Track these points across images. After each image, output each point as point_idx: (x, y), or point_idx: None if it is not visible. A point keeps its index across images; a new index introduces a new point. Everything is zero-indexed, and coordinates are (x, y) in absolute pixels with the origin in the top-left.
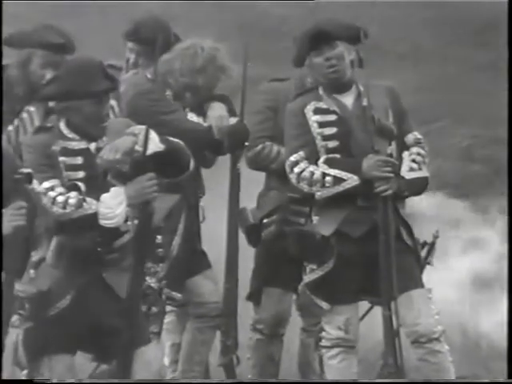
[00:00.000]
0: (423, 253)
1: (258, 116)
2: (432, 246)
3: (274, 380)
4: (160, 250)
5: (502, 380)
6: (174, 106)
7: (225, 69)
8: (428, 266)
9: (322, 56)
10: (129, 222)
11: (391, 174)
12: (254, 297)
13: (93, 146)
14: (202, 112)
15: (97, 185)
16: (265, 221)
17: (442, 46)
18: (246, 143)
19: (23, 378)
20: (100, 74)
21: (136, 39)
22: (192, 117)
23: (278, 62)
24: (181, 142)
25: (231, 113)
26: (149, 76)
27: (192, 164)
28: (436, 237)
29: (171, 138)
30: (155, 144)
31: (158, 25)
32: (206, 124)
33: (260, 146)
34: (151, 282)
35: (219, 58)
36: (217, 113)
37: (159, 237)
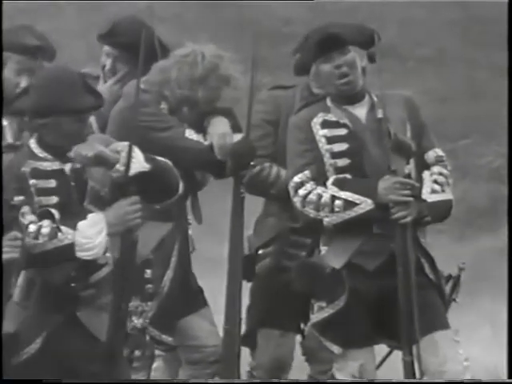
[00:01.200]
0: (448, 288)
1: (256, 131)
2: (457, 279)
3: (273, 380)
4: (149, 285)
5: (501, 380)
6: (170, 121)
7: (229, 79)
8: (453, 304)
9: (332, 63)
10: (107, 254)
11: (410, 198)
12: (249, 339)
13: (68, 166)
14: (201, 128)
15: (72, 211)
16: (260, 252)
17: (469, 49)
18: (252, 163)
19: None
20: (83, 88)
21: (113, 42)
22: (190, 134)
23: (281, 68)
24: (168, 162)
25: (235, 128)
26: (142, 86)
27: (181, 187)
28: (462, 269)
29: (158, 157)
30: (139, 163)
31: (139, 26)
32: (206, 142)
33: (257, 168)
34: (138, 322)
35: (222, 68)
36: (219, 129)
37: (148, 271)
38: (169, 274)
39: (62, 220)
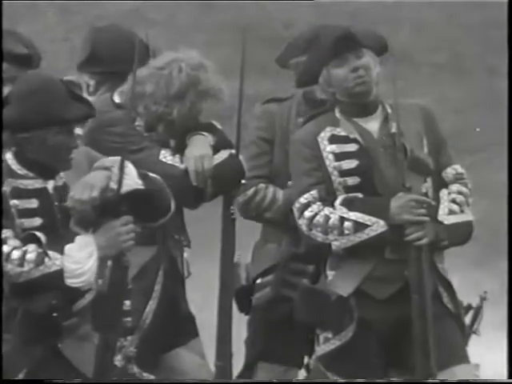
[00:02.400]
0: (468, 319)
1: (251, 149)
2: (479, 310)
3: (272, 380)
4: (128, 319)
5: (501, 380)
6: (142, 142)
7: (210, 94)
8: (474, 336)
9: (347, 66)
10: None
11: (426, 218)
12: (248, 375)
13: (50, 184)
14: (180, 148)
15: (58, 233)
16: (258, 281)
17: (489, 55)
18: (243, 181)
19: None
20: (69, 96)
21: (93, 72)
22: (165, 156)
23: (282, 74)
24: (160, 179)
25: (221, 144)
26: (116, 100)
27: (173, 205)
28: (483, 299)
29: (151, 174)
30: (133, 180)
31: (122, 46)
32: (182, 166)
33: (252, 190)
34: (116, 360)
35: (203, 80)
36: (196, 151)
37: (127, 302)
38: (151, 305)
39: (48, 244)
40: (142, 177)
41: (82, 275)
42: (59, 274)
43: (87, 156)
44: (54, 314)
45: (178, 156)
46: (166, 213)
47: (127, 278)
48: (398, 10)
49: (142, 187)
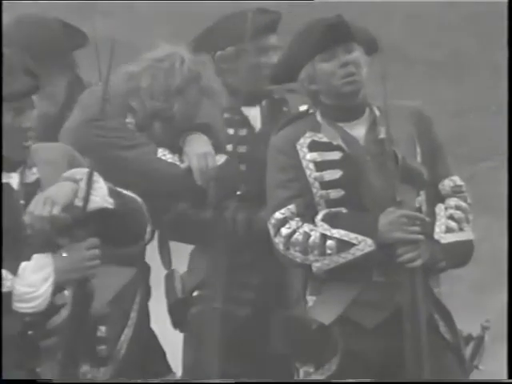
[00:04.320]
0: (468, 351)
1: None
2: (480, 341)
3: (271, 380)
4: (102, 347)
5: (502, 380)
6: (137, 138)
7: (211, 92)
8: (476, 371)
9: (336, 60)
10: (65, 292)
11: (420, 237)
12: None
13: (15, 179)
14: (176, 148)
15: (19, 243)
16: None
17: (490, 51)
18: (239, 192)
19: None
20: (20, 68)
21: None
22: (164, 154)
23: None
24: (138, 199)
25: (218, 148)
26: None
27: (149, 231)
28: (486, 328)
29: (125, 192)
30: (102, 197)
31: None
32: (183, 165)
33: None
34: None
35: (205, 77)
36: (198, 149)
37: (102, 328)
38: (127, 333)
39: (5, 257)
40: (115, 194)
41: (33, 300)
42: (8, 296)
43: (66, 154)
44: (29, 333)
45: (176, 155)
46: (138, 238)
47: (90, 306)
48: (389, 2)
49: (110, 206)
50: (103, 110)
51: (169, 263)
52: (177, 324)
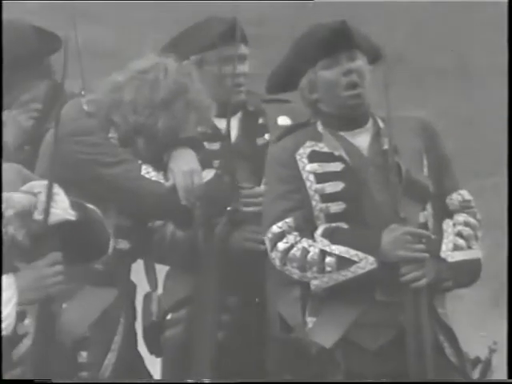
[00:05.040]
0: (475, 374)
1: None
2: (488, 364)
3: (271, 380)
4: (84, 373)
5: (502, 380)
6: (120, 154)
7: (199, 105)
8: None
9: (339, 68)
10: (26, 321)
11: (425, 255)
12: None
13: None
14: (161, 164)
15: None
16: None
17: (502, 58)
18: (229, 208)
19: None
20: None
21: None
22: (148, 171)
23: (252, 78)
24: (98, 212)
25: (205, 162)
26: (85, 107)
27: (111, 245)
28: (493, 351)
29: (87, 204)
30: (63, 209)
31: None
32: (167, 183)
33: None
34: None
35: (192, 90)
36: (184, 166)
37: (84, 353)
38: (110, 358)
39: None
40: (77, 207)
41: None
42: None
43: (20, 175)
44: None
45: (161, 173)
46: (103, 252)
47: (54, 326)
48: (392, 7)
49: (73, 218)
50: (85, 124)
51: (155, 284)
52: (152, 349)
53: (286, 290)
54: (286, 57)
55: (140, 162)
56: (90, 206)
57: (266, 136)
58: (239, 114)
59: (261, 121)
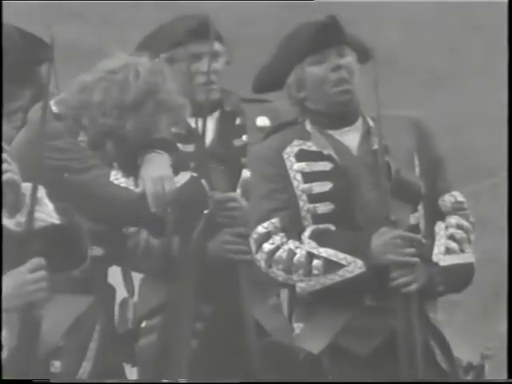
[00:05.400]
0: (468, 381)
1: None
2: (481, 370)
3: (270, 380)
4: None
5: (502, 380)
6: (89, 159)
7: (172, 105)
8: None
9: (327, 63)
10: (3, 332)
11: (416, 259)
12: None
13: None
14: (133, 169)
15: None
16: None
17: (494, 58)
18: (206, 211)
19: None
20: None
21: None
22: (117, 178)
23: (241, 78)
24: (78, 218)
25: (180, 165)
26: (54, 109)
27: (89, 254)
28: (486, 356)
29: (69, 208)
30: (47, 213)
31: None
32: (137, 189)
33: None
34: None
35: (163, 89)
36: (154, 172)
37: (56, 363)
38: (86, 366)
39: None
40: (61, 211)
41: None
42: None
43: None
44: None
45: (131, 178)
46: (83, 260)
47: (39, 334)
48: (384, 5)
49: (57, 222)
50: (53, 127)
51: (132, 289)
52: (127, 358)
53: (264, 296)
54: (273, 55)
55: (109, 167)
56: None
57: (244, 137)
58: (216, 114)
59: (238, 121)
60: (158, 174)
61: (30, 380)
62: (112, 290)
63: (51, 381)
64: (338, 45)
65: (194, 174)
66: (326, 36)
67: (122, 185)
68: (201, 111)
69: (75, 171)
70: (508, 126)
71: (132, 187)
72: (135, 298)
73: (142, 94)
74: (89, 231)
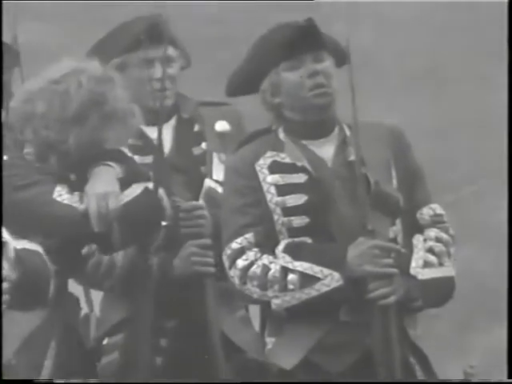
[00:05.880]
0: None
1: None
2: None
3: (271, 380)
4: None
5: (501, 380)
6: (32, 175)
7: (117, 117)
8: None
9: (304, 69)
10: None
11: (394, 270)
12: None
13: None
14: (79, 184)
15: None
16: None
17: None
18: (164, 222)
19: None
20: None
21: None
22: (60, 194)
23: (202, 83)
24: (40, 251)
25: (133, 176)
26: (3, 117)
27: (52, 288)
28: (470, 374)
29: (31, 247)
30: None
31: None
32: (81, 206)
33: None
34: None
35: (111, 99)
36: (99, 188)
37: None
38: None
39: None
40: (17, 265)
41: None
42: None
43: None
44: None
45: (77, 194)
46: (40, 302)
47: None
48: (359, 4)
49: (13, 279)
50: None
51: (91, 304)
52: (90, 376)
53: (231, 308)
54: (246, 57)
55: (54, 181)
56: (32, 246)
57: (203, 145)
58: (172, 122)
59: (196, 128)
60: (103, 190)
61: (31, 380)
62: (73, 301)
63: None
64: (315, 49)
65: (149, 186)
66: (303, 40)
67: (65, 202)
68: (156, 119)
69: (18, 188)
70: (509, 96)
71: (76, 204)
72: (97, 313)
73: (85, 105)
74: (41, 245)
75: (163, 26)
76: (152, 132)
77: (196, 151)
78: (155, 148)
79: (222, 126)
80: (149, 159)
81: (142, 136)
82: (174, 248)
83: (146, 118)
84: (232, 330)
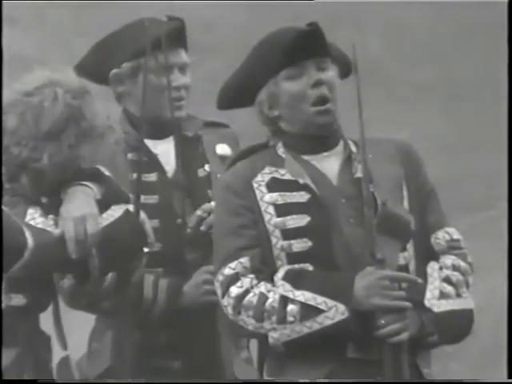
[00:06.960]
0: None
1: None
2: None
3: (271, 380)
4: None
5: (502, 380)
6: (4, 195)
7: (96, 134)
8: None
9: (306, 78)
10: None
11: (407, 304)
12: None
13: None
14: (53, 206)
15: None
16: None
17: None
18: (146, 249)
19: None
20: None
21: None
22: (34, 217)
23: (194, 92)
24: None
25: (113, 198)
26: None
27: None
28: None
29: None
30: None
31: None
32: (57, 230)
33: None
34: None
35: (88, 114)
36: (75, 210)
37: None
38: None
39: None
40: None
41: None
42: None
43: None
44: None
45: (51, 217)
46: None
47: None
48: (364, 9)
49: None
50: None
51: (64, 343)
52: None
53: (236, 348)
54: (242, 65)
55: (26, 204)
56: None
57: (206, 167)
58: (171, 139)
59: (200, 149)
60: (80, 212)
61: (35, 380)
62: (44, 339)
63: None
64: (319, 56)
65: (130, 208)
66: (306, 46)
67: (39, 226)
68: (163, 132)
69: None
70: (508, 149)
71: (50, 228)
72: (79, 353)
73: (60, 121)
74: (8, 277)
75: (184, 31)
76: (154, 146)
77: (201, 173)
78: (160, 165)
79: (223, 149)
80: (152, 177)
81: (147, 152)
82: (183, 274)
83: (152, 130)
84: (242, 374)
